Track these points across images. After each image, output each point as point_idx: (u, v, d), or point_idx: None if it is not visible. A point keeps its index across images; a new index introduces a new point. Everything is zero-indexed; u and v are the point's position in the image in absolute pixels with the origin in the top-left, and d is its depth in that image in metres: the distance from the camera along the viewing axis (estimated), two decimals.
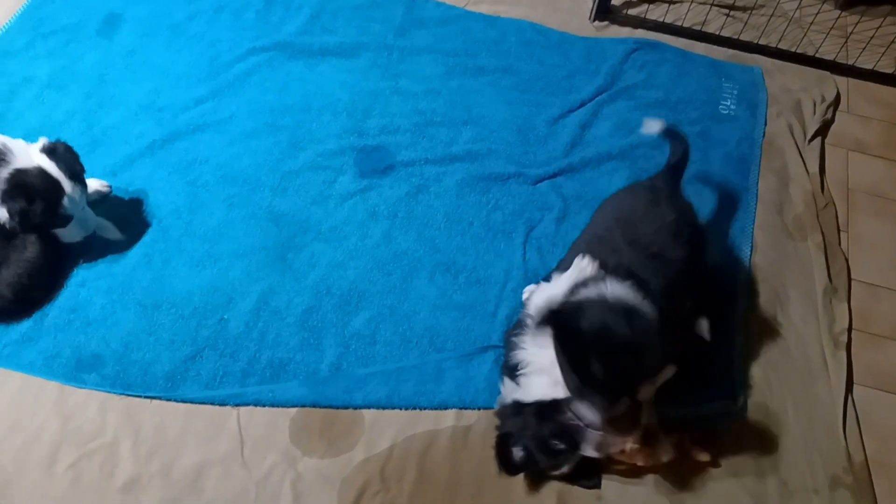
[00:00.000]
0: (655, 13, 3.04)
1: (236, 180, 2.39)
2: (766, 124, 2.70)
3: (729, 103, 2.74)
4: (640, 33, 2.98)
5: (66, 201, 2.02)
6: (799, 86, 2.85)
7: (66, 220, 2.06)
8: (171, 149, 2.45)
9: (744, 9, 3.10)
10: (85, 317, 2.07)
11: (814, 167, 2.57)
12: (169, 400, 1.95)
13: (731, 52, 2.97)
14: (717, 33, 2.99)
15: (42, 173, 2.00)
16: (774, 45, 2.96)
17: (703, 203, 2.41)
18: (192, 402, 1.95)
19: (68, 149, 2.09)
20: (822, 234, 2.39)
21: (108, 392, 1.95)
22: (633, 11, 3.05)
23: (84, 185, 2.10)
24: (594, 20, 3.00)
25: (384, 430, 1.94)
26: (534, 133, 2.59)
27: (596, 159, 2.51)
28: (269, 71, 2.71)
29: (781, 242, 2.38)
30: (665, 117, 2.60)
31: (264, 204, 2.35)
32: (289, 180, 2.41)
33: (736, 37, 2.98)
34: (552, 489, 1.85)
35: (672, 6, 3.09)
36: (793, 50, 2.95)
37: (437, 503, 1.84)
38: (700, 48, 2.97)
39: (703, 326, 1.91)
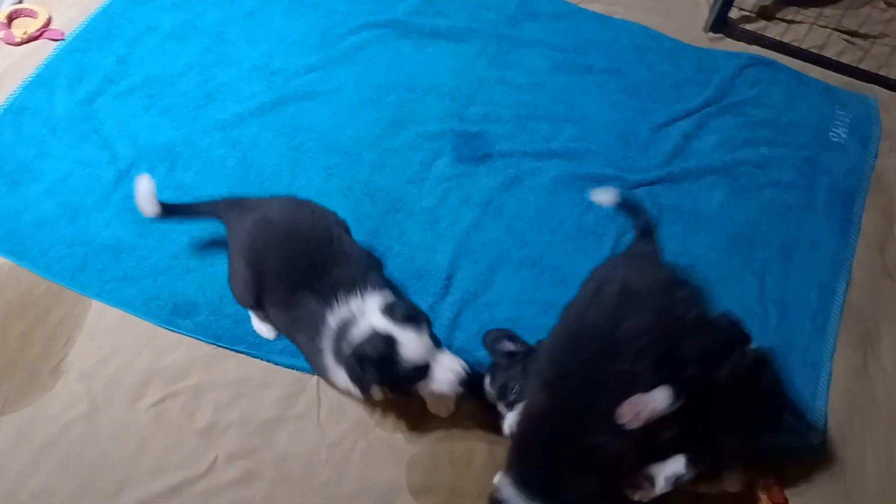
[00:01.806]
0: (773, 31, 2.96)
1: (337, 151, 2.44)
2: (876, 158, 2.61)
3: (840, 132, 2.65)
4: (755, 50, 2.90)
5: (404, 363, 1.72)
6: None
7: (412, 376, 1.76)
8: (279, 112, 2.51)
9: (866, 36, 2.99)
10: (185, 265, 2.15)
11: None
12: (254, 357, 2.02)
13: (847, 79, 2.86)
14: (835, 59, 2.89)
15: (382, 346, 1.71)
16: (895, 77, 2.85)
17: (803, 231, 2.36)
18: (275, 364, 2.02)
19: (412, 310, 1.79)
20: None
21: (199, 339, 2.03)
22: (749, 26, 2.97)
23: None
24: (709, 31, 2.94)
25: (456, 414, 1.96)
26: (635, 138, 2.56)
27: (696, 172, 2.47)
28: (380, 47, 2.74)
29: (879, 281, 2.30)
30: (773, 138, 2.59)
31: (362, 178, 2.39)
32: (388, 157, 2.45)
33: (855, 64, 2.87)
34: None
35: (791, 26, 3.00)
36: None
37: None
38: (815, 72, 2.87)
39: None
